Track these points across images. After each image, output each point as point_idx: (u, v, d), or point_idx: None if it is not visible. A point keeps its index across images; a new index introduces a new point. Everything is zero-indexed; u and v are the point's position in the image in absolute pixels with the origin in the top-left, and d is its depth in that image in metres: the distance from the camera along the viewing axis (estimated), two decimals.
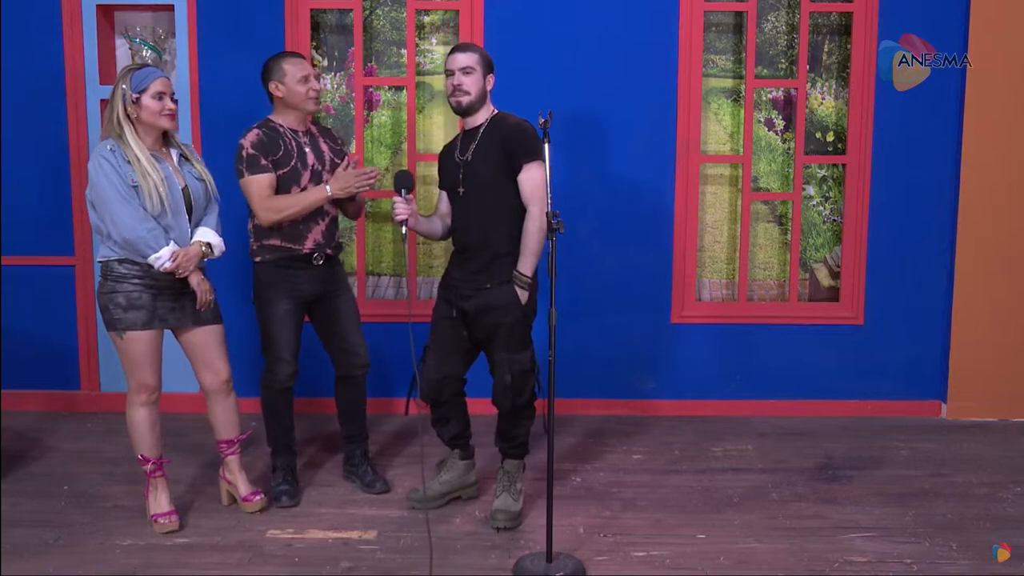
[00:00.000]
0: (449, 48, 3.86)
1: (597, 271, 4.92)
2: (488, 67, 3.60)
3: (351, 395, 4.02)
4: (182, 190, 3.52)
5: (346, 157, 3.83)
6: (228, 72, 4.74)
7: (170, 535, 3.58)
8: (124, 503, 3.85)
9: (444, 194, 3.79)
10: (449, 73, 3.58)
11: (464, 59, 3.55)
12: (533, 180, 3.52)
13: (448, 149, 3.77)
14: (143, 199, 3.39)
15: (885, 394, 5.01)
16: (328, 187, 3.69)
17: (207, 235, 3.58)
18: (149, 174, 3.40)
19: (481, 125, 3.61)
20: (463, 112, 3.61)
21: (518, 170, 3.53)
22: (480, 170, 3.58)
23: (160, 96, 3.44)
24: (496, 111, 3.65)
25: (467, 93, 3.55)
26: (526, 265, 3.54)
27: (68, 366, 4.99)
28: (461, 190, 3.63)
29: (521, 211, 3.57)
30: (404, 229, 3.55)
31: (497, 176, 3.56)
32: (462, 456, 3.90)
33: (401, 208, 3.54)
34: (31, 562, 3.37)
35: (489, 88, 3.60)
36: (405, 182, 3.58)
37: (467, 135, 3.66)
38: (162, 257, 3.41)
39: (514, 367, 3.61)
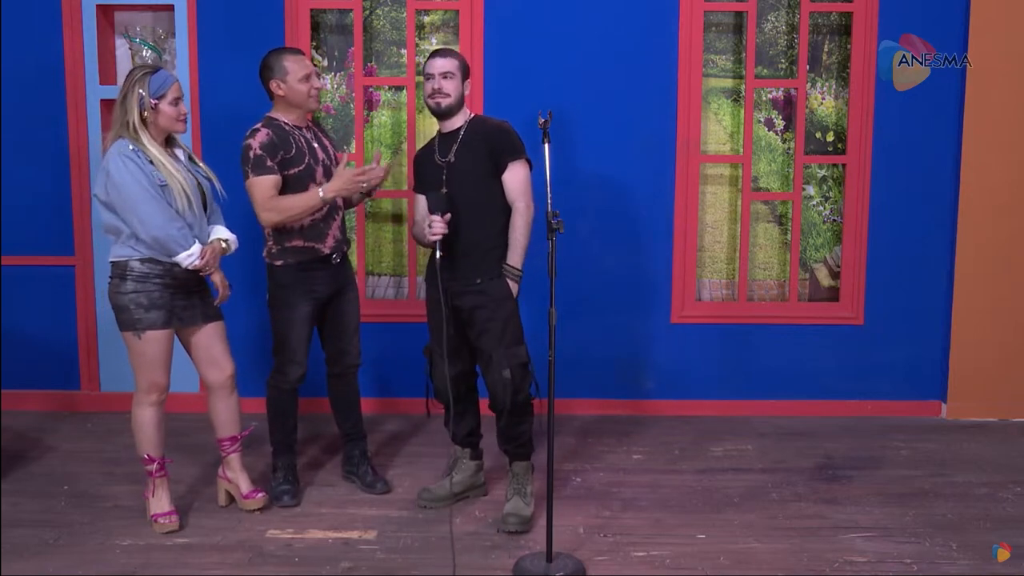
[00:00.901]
0: (452, 48, 3.91)
1: (597, 271, 4.92)
2: (466, 73, 3.71)
3: (345, 392, 4.03)
4: (197, 187, 3.55)
5: (344, 156, 3.83)
6: (228, 72, 4.74)
7: (170, 535, 3.58)
8: (124, 503, 3.85)
9: (422, 198, 3.81)
10: (428, 76, 3.67)
11: (444, 64, 3.65)
12: (518, 177, 3.63)
13: (425, 153, 3.81)
14: (172, 198, 3.42)
15: (885, 394, 5.01)
16: (321, 190, 3.67)
17: (223, 232, 3.63)
18: (174, 174, 3.43)
19: (460, 128, 3.70)
20: (441, 114, 3.70)
21: (503, 169, 3.63)
22: (465, 170, 3.65)
23: (176, 102, 3.48)
24: (472, 114, 3.74)
25: (447, 96, 3.65)
26: (516, 258, 3.62)
27: (68, 366, 4.99)
28: (444, 191, 3.67)
29: (506, 208, 3.65)
30: (439, 253, 3.55)
31: (483, 175, 3.64)
32: (472, 456, 3.91)
33: (439, 226, 3.55)
34: (31, 562, 3.37)
35: (466, 93, 3.71)
36: (443, 204, 3.59)
37: (445, 138, 3.73)
38: (193, 255, 3.44)
39: (513, 361, 3.63)
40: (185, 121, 3.54)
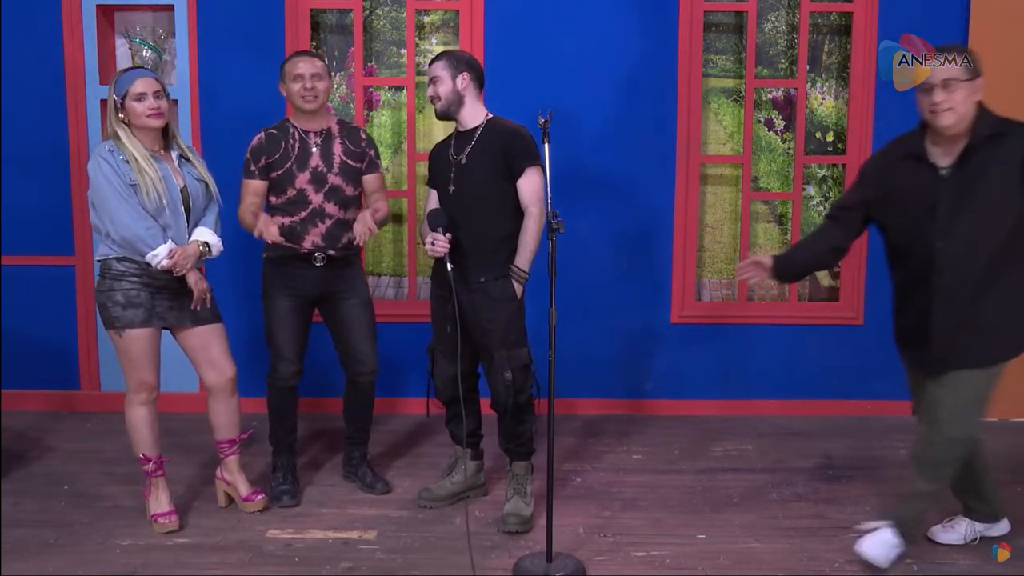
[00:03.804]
0: (448, 49, 3.94)
1: (597, 271, 4.92)
2: (457, 68, 3.66)
3: (355, 398, 4.04)
4: (180, 190, 3.53)
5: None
6: (228, 72, 4.74)
7: (170, 535, 3.58)
8: (124, 503, 3.85)
9: (434, 192, 3.82)
10: (429, 84, 3.74)
11: (432, 70, 3.70)
12: (533, 184, 3.62)
13: (440, 148, 3.83)
14: (141, 196, 3.42)
15: (885, 394, 5.00)
16: (259, 231, 3.62)
17: (205, 234, 3.59)
18: (146, 171, 3.43)
19: (477, 128, 3.69)
20: (444, 117, 3.73)
21: (518, 175, 3.61)
22: (474, 171, 3.64)
23: (142, 97, 3.46)
24: (490, 115, 3.72)
25: (438, 98, 3.69)
26: (524, 260, 3.62)
27: (68, 366, 4.99)
28: (452, 188, 3.69)
29: (513, 212, 3.65)
30: (450, 266, 3.56)
31: (492, 178, 3.63)
32: (472, 456, 3.92)
33: (441, 245, 3.56)
34: (31, 562, 3.37)
35: (462, 87, 3.66)
36: (442, 220, 3.61)
37: (461, 136, 3.73)
38: (159, 255, 3.42)
39: (514, 362, 3.64)
40: (160, 115, 3.49)
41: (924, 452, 3.27)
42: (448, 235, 3.57)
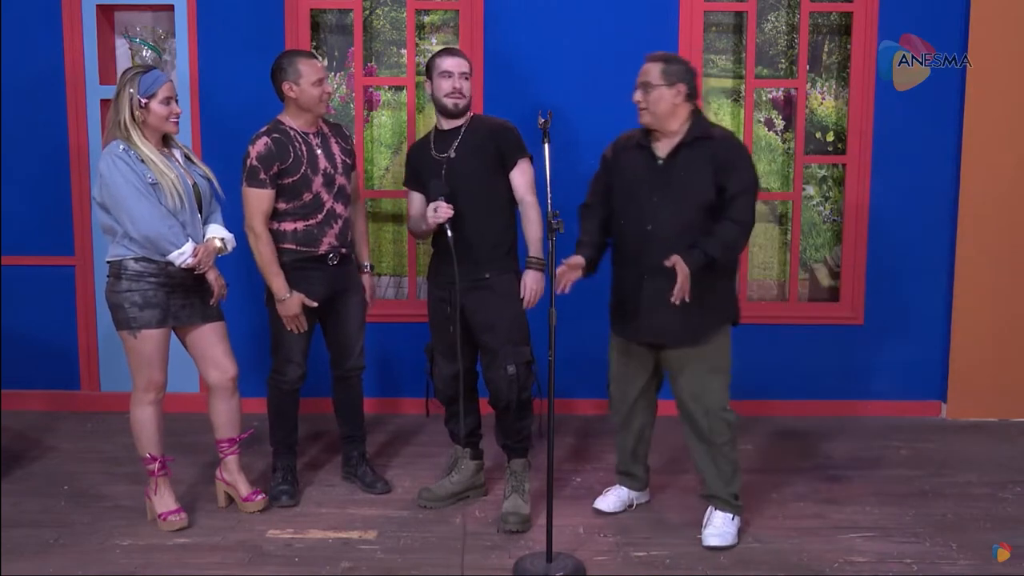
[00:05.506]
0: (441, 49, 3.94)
1: (597, 271, 4.90)
2: (471, 73, 3.76)
3: (346, 395, 4.03)
4: (192, 187, 3.55)
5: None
6: (228, 72, 4.74)
7: (170, 535, 3.58)
8: (124, 503, 3.85)
9: (417, 195, 3.82)
10: (446, 75, 3.66)
11: (462, 64, 3.69)
12: (527, 175, 3.69)
13: (420, 148, 3.83)
14: (163, 196, 3.42)
15: (885, 394, 5.01)
16: (289, 294, 3.70)
17: (220, 231, 3.62)
18: (165, 172, 3.43)
19: (461, 125, 3.71)
20: (457, 114, 3.70)
21: (511, 167, 3.65)
22: (467, 166, 3.66)
23: (168, 101, 3.48)
24: (472, 112, 3.76)
25: (464, 97, 3.69)
26: (537, 249, 3.67)
27: (68, 366, 4.99)
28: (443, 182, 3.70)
29: (506, 204, 3.69)
30: (450, 233, 3.57)
31: (487, 172, 3.66)
32: (472, 456, 3.92)
33: (444, 210, 3.57)
34: (31, 562, 3.37)
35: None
36: (442, 189, 3.63)
37: (444, 135, 3.74)
38: (185, 253, 3.43)
39: (518, 358, 3.65)
40: (177, 121, 3.53)
41: (702, 432, 3.55)
42: (450, 204, 3.59)
